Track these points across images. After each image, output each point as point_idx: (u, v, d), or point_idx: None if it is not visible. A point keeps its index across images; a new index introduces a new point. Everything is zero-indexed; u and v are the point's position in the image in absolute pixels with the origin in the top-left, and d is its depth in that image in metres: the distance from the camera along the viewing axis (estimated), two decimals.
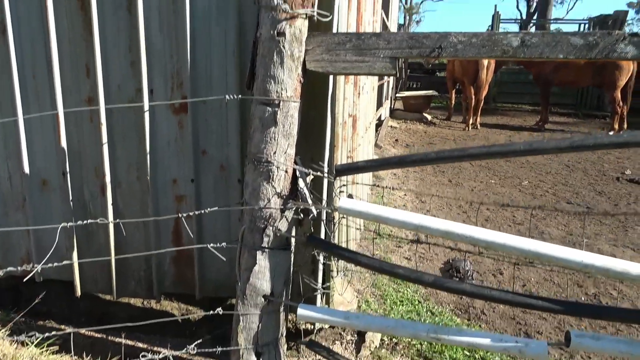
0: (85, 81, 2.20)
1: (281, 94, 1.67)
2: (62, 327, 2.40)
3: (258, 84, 1.70)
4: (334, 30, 1.89)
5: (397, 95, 11.61)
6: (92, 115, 2.22)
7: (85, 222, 1.72)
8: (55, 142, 2.27)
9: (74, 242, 2.34)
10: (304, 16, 1.63)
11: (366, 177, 4.05)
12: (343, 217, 2.13)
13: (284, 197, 1.75)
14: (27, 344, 1.98)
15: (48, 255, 1.95)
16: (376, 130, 7.05)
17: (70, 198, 2.33)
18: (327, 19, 1.71)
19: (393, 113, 11.05)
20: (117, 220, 2.01)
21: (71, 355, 1.97)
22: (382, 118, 8.49)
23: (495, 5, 19.29)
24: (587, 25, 14.29)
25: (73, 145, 2.28)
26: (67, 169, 2.29)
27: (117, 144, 2.26)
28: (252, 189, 1.75)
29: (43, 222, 2.39)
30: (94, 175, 2.31)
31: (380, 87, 7.86)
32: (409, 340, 2.26)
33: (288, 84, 1.67)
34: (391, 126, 9.58)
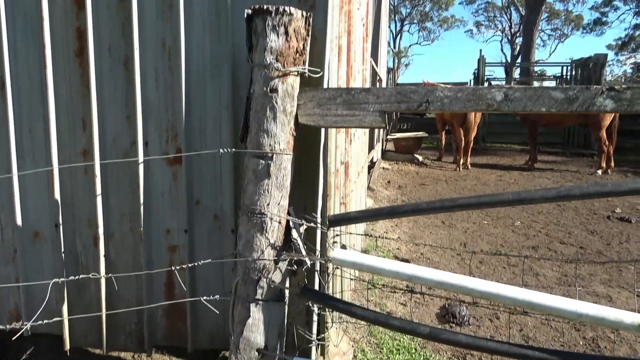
0: (81, 134, 2.23)
1: (274, 147, 1.71)
2: None
3: (252, 137, 1.74)
4: (325, 85, 1.95)
5: (388, 137, 11.79)
6: (87, 167, 2.25)
7: (77, 277, 1.72)
8: (48, 194, 2.28)
9: (64, 295, 2.31)
10: (296, 73, 1.70)
11: (360, 224, 4.06)
12: (337, 268, 2.13)
13: (278, 248, 1.76)
14: None
15: (38, 313, 1.92)
16: (369, 173, 7.12)
17: (62, 250, 2.31)
18: (318, 75, 1.78)
19: (385, 155, 11.20)
20: (109, 275, 1.99)
21: None
22: (374, 160, 8.59)
23: (481, 50, 19.94)
24: (569, 68, 14.76)
25: (66, 197, 2.29)
26: (60, 221, 2.29)
27: (111, 194, 2.27)
28: (246, 241, 1.76)
29: (34, 274, 2.36)
30: (86, 227, 2.30)
31: (372, 130, 8.00)
32: None
33: (281, 137, 1.71)
34: (383, 168, 9.68)
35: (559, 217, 6.05)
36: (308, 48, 1.76)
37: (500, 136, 14.84)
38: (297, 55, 1.71)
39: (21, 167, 2.28)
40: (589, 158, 11.69)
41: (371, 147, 7.68)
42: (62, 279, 1.69)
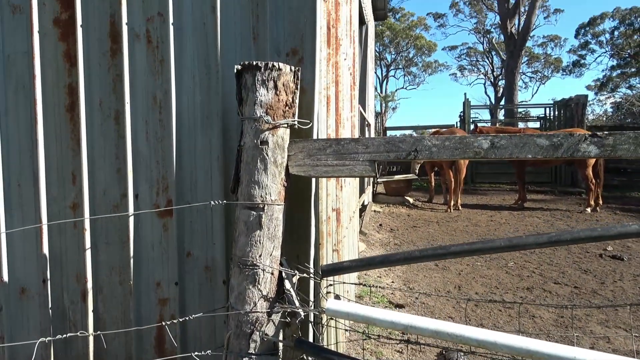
0: (71, 188, 2.23)
1: (265, 198, 1.72)
2: None
3: (243, 189, 1.75)
4: (315, 135, 1.99)
5: (379, 180, 11.88)
6: (76, 222, 2.23)
7: (64, 335, 1.67)
8: (37, 248, 2.25)
9: (51, 352, 2.24)
10: (286, 125, 1.73)
11: (353, 278, 4.02)
12: (331, 319, 2.10)
13: (271, 300, 1.74)
14: None
15: None
16: (360, 216, 7.12)
17: (50, 305, 2.26)
18: (308, 126, 1.81)
19: (376, 197, 11.24)
20: (98, 332, 1.94)
21: None
22: (366, 203, 8.61)
23: (465, 93, 20.52)
24: (552, 109, 15.17)
25: (55, 251, 2.26)
26: (48, 276, 2.24)
27: (100, 248, 2.24)
28: (238, 293, 1.73)
29: (20, 331, 2.29)
30: (75, 281, 2.26)
31: None
32: None
33: (272, 188, 1.72)
34: (375, 211, 9.70)
35: (552, 256, 6.05)
36: (297, 100, 1.80)
37: (488, 176, 15.03)
38: (287, 108, 1.75)
39: (9, 221, 2.26)
40: (577, 196, 11.83)
41: (362, 190, 7.72)
42: (49, 338, 1.64)
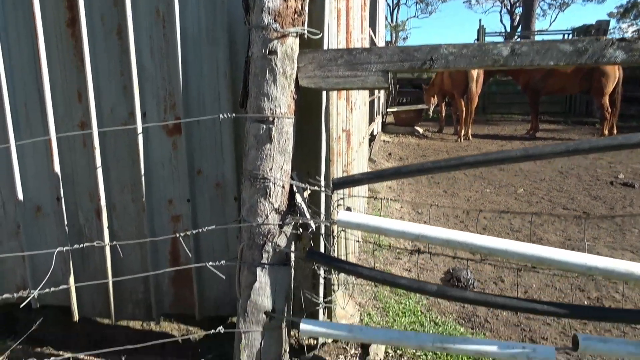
0: (77, 107, 2.20)
1: (275, 111, 1.68)
2: (60, 352, 2.34)
3: (251, 102, 1.71)
4: (325, 47, 1.91)
5: (388, 110, 11.70)
6: (85, 140, 2.22)
7: (81, 245, 1.71)
8: (48, 168, 2.25)
9: (70, 266, 2.31)
10: (295, 34, 1.65)
11: (362, 192, 4.04)
12: (342, 231, 2.13)
13: (282, 212, 1.75)
14: None
15: (44, 281, 1.92)
16: (369, 145, 7.08)
17: (65, 223, 2.30)
18: (318, 37, 1.73)
19: (385, 127, 11.13)
20: (114, 243, 1.98)
21: None
22: (375, 133, 8.54)
23: (480, 20, 19.64)
24: (570, 36, 14.54)
25: (67, 170, 2.27)
26: (62, 194, 2.27)
27: (111, 167, 2.25)
28: (250, 206, 1.74)
29: (38, 248, 2.36)
30: (88, 200, 2.29)
31: (372, 103, 7.93)
32: (414, 351, 2.24)
33: (282, 100, 1.68)
34: (384, 140, 9.63)
35: (562, 183, 6.03)
36: (306, 8, 1.71)
37: (501, 106, 14.73)
38: (296, 15, 1.66)
39: (18, 141, 2.25)
40: (591, 126, 11.62)
41: (371, 119, 7.62)
42: (67, 248, 1.69)
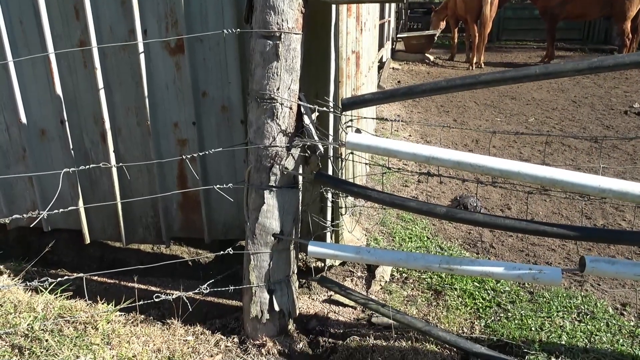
0: (75, 25, 2.10)
1: (282, 25, 1.58)
2: (74, 274, 2.43)
3: (257, 16, 1.61)
4: None
5: (398, 36, 11.25)
6: (86, 61, 2.14)
7: (88, 166, 1.69)
8: (50, 90, 2.20)
9: (78, 190, 2.32)
10: None
11: (370, 121, 3.97)
12: (350, 153, 2.09)
13: (290, 134, 1.71)
14: (41, 291, 2.00)
15: (53, 201, 1.94)
16: (378, 72, 6.88)
17: (71, 147, 2.28)
18: None
19: (395, 54, 10.76)
20: (120, 164, 1.97)
21: (86, 300, 2.00)
22: (384, 60, 8.26)
23: None
24: None
25: (69, 93, 2.21)
26: (65, 117, 2.23)
27: (114, 89, 2.18)
28: (257, 128, 1.70)
29: (45, 172, 2.36)
30: (92, 123, 2.25)
31: (382, 27, 7.60)
32: (419, 274, 2.28)
33: (289, 14, 1.58)
34: (393, 68, 9.36)
35: (575, 113, 5.89)
36: None
37: (515, 33, 14.12)
38: None
39: (17, 61, 2.17)
40: (609, 54, 11.17)
41: (381, 45, 7.35)
42: (74, 169, 1.67)
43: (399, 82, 7.97)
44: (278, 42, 1.60)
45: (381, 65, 7.84)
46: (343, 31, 2.07)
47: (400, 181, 3.54)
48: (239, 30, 1.69)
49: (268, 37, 1.60)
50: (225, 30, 1.67)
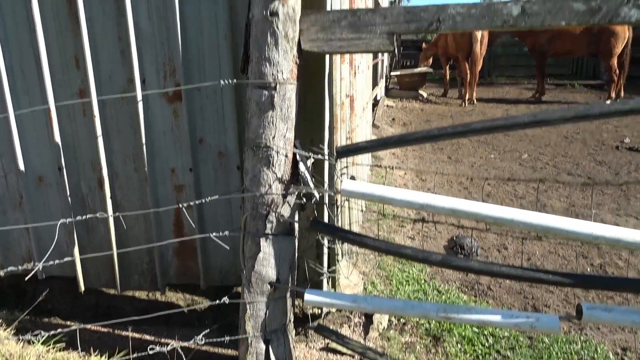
0: (75, 73, 2.15)
1: (277, 76, 1.63)
2: (68, 323, 2.38)
3: (253, 67, 1.65)
4: (328, 7, 1.84)
5: (392, 73, 11.50)
6: (85, 109, 2.18)
7: (84, 217, 1.69)
8: (49, 137, 2.22)
9: (74, 237, 2.31)
10: None
11: (366, 159, 4.01)
12: (346, 200, 2.11)
13: (285, 182, 1.72)
14: (34, 342, 1.96)
15: (49, 253, 1.93)
16: (373, 110, 6.99)
17: (68, 193, 2.29)
18: None
19: (389, 92, 10.97)
20: (117, 214, 1.97)
21: (78, 352, 1.96)
22: (378, 97, 8.41)
23: None
24: None
25: (67, 140, 2.24)
26: (63, 164, 2.25)
27: (112, 136, 2.21)
28: (253, 175, 1.72)
29: (41, 219, 2.36)
30: (90, 169, 2.27)
31: (375, 67, 7.78)
32: (417, 320, 2.26)
33: (284, 65, 1.63)
34: (387, 105, 9.51)
35: (567, 149, 5.97)
36: None
37: (506, 69, 14.47)
38: None
39: (17, 108, 2.21)
40: (598, 89, 11.42)
41: (375, 83, 7.50)
42: (70, 219, 1.67)
43: (393, 119, 8.09)
44: (273, 92, 1.64)
45: (375, 103, 7.98)
46: (337, 78, 2.12)
47: (396, 221, 3.55)
48: (235, 80, 1.73)
49: (264, 88, 1.64)
50: (222, 81, 1.71)
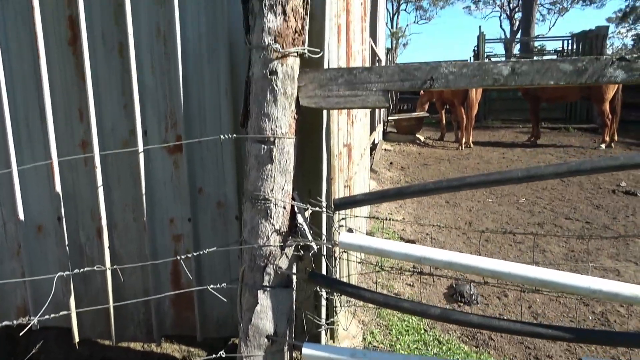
0: (78, 125, 2.20)
1: (276, 131, 1.67)
2: None
3: (252, 122, 1.70)
4: (325, 65, 1.91)
5: (389, 118, 11.70)
6: (87, 159, 2.21)
7: (81, 270, 1.69)
8: (49, 187, 2.25)
9: (70, 287, 2.30)
10: (295, 54, 1.65)
11: (364, 209, 4.03)
12: (344, 252, 2.11)
13: (283, 234, 1.73)
14: None
15: (45, 307, 1.91)
16: (371, 154, 7.07)
17: (66, 242, 2.29)
18: (318, 55, 1.73)
19: (386, 136, 11.13)
20: (115, 267, 1.97)
21: None
22: (376, 142, 8.53)
23: (480, 26, 19.69)
24: (570, 42, 14.57)
25: (68, 189, 2.26)
26: (63, 214, 2.26)
27: (113, 185, 2.24)
28: (251, 227, 1.73)
29: (38, 268, 2.35)
30: (89, 218, 2.28)
31: (373, 112, 7.93)
32: None
33: (282, 121, 1.67)
34: (385, 149, 9.63)
35: (564, 192, 6.01)
36: (307, 27, 1.71)
37: (501, 113, 14.74)
38: (296, 35, 1.66)
39: (19, 160, 2.25)
40: (592, 133, 11.60)
41: (372, 128, 7.62)
42: (67, 272, 1.67)
43: (391, 163, 8.17)
44: (272, 146, 1.68)
45: (374, 147, 8.08)
46: (334, 130, 2.17)
47: (396, 266, 3.53)
48: (235, 135, 1.77)
49: (262, 142, 1.68)
50: (222, 136, 1.75)
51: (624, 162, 1.46)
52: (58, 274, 1.62)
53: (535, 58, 17.65)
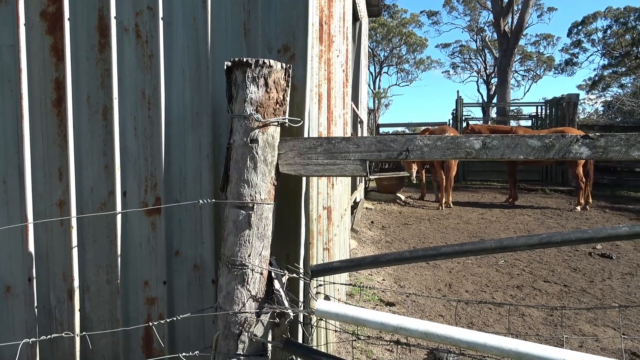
0: (57, 185, 2.19)
1: (255, 197, 1.69)
2: None
3: (232, 187, 1.72)
4: (306, 133, 1.96)
5: (371, 177, 11.88)
6: (63, 220, 2.19)
7: (49, 336, 1.64)
8: (22, 247, 2.21)
9: (36, 352, 2.20)
10: (276, 123, 1.70)
11: (344, 275, 4.01)
12: (320, 320, 2.08)
13: (260, 300, 1.72)
14: None
15: None
16: (352, 213, 7.11)
17: (35, 304, 2.22)
18: (299, 124, 1.79)
19: (368, 194, 11.24)
20: (83, 333, 1.91)
21: None
22: (357, 200, 8.60)
23: (458, 91, 20.54)
24: (543, 107, 15.25)
25: (41, 249, 2.22)
26: (34, 274, 2.20)
27: (87, 246, 2.21)
28: (227, 293, 1.71)
29: (4, 330, 2.26)
30: (61, 280, 2.22)
31: None
32: None
33: (262, 187, 1.70)
34: (367, 208, 9.69)
35: (542, 254, 6.08)
36: (288, 98, 1.78)
37: (480, 174, 15.11)
38: (277, 105, 1.73)
39: None
40: (568, 195, 11.91)
41: (354, 187, 7.71)
42: (33, 339, 1.61)
43: (372, 222, 8.21)
44: (251, 212, 1.70)
45: (355, 205, 8.13)
46: (314, 196, 2.20)
47: (374, 332, 3.46)
48: (214, 200, 1.79)
49: (241, 207, 1.70)
50: (201, 200, 1.77)
51: (592, 235, 1.51)
52: (24, 340, 1.56)
53: (512, 122, 18.35)
